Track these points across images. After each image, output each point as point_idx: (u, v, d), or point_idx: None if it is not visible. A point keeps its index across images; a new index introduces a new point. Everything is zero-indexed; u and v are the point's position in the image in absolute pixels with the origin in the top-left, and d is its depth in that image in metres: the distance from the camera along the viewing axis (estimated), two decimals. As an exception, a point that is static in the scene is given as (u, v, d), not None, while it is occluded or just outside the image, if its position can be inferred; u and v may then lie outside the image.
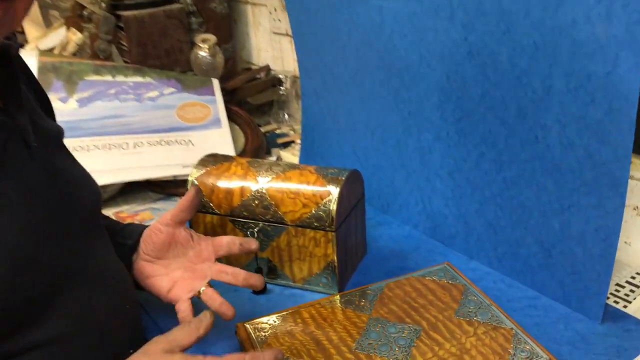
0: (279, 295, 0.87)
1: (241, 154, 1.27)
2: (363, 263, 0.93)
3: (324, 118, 1.17)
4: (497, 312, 0.76)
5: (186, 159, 1.19)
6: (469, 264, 0.91)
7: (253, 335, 0.76)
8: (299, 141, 1.39)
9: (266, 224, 0.85)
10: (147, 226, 0.80)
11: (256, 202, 0.85)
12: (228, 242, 0.79)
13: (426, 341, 0.73)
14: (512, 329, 0.74)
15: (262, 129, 1.44)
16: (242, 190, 0.86)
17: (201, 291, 0.76)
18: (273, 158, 1.32)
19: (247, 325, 0.78)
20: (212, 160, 0.92)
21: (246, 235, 0.87)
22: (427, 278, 0.84)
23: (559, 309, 0.80)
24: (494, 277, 0.88)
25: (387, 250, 0.96)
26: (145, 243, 0.77)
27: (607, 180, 0.71)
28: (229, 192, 0.87)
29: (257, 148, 1.29)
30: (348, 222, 0.86)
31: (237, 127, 1.33)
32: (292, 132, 1.44)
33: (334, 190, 0.82)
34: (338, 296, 0.82)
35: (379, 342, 0.73)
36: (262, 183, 0.86)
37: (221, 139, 1.26)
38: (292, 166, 0.88)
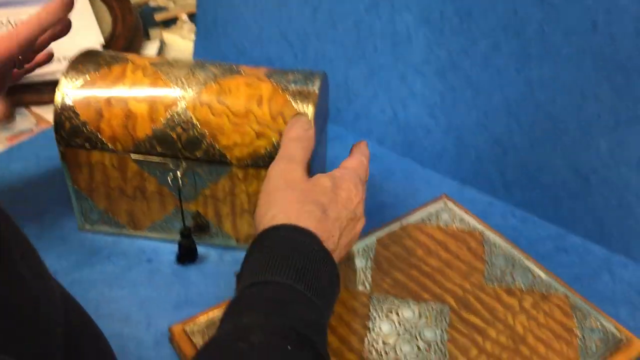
0: (217, 263, 0.59)
1: (110, 39, 0.89)
2: (324, 200, 0.67)
3: (234, -13, 0.83)
4: (537, 270, 0.56)
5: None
6: (462, 193, 0.69)
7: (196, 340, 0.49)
8: (185, 17, 1.03)
9: (195, 163, 0.55)
10: None
11: (178, 129, 0.54)
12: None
13: (460, 328, 0.51)
14: (565, 294, 0.54)
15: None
16: (152, 111, 0.54)
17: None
18: (155, 45, 0.96)
19: (187, 328, 0.51)
20: (91, 62, 0.57)
21: (164, 183, 0.56)
22: (429, 225, 0.61)
23: (595, 251, 0.62)
24: (501, 210, 0.67)
25: (350, 177, 0.70)
26: None
27: None
28: (130, 116, 0.54)
29: (132, 29, 0.91)
30: (317, 153, 0.58)
31: (97, -1, 0.94)
32: (172, 5, 1.07)
33: (307, 110, 0.53)
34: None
35: (397, 339, 0.49)
36: (185, 100, 0.54)
37: (75, 17, 0.86)
38: (226, 69, 0.56)
